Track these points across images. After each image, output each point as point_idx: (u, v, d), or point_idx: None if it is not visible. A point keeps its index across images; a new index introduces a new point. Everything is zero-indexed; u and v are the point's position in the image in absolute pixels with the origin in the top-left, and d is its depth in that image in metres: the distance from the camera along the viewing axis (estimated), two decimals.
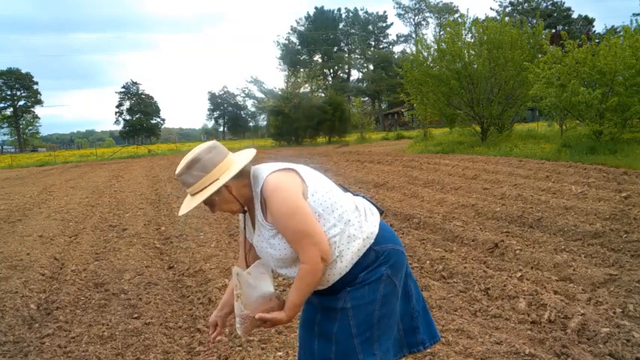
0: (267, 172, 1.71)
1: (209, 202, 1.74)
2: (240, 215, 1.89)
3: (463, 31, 17.31)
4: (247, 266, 1.86)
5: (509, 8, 57.66)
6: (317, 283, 1.70)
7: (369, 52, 69.81)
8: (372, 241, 1.75)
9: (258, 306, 1.66)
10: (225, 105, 77.66)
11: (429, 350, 2.87)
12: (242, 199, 1.75)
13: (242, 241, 1.97)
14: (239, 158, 1.77)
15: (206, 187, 1.69)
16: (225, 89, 76.98)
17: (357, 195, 1.90)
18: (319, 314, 1.80)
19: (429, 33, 72.51)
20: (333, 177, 10.79)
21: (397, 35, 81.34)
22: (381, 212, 1.90)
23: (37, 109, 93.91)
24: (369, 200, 1.91)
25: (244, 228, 1.92)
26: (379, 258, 1.75)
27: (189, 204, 1.74)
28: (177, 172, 1.74)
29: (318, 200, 1.71)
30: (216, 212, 1.81)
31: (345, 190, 1.90)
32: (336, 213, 1.72)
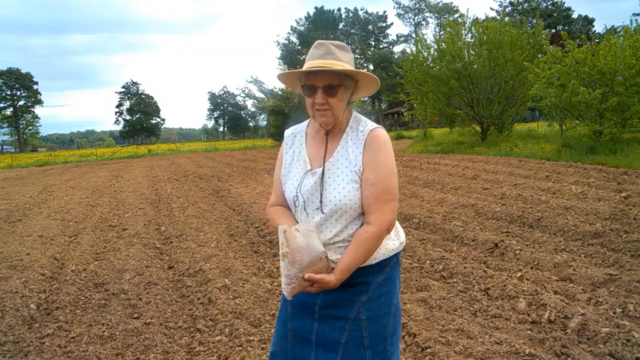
0: (377, 125, 1.69)
1: (336, 87, 1.60)
2: (290, 138, 1.80)
3: (463, 31, 17.33)
4: (282, 205, 1.77)
5: (509, 8, 57.63)
6: (372, 253, 1.60)
7: (369, 52, 69.77)
8: (401, 249, 1.76)
9: (307, 265, 1.52)
10: (225, 105, 77.70)
11: (429, 350, 2.88)
12: (340, 117, 1.67)
13: (278, 176, 1.79)
14: None
15: (356, 70, 1.63)
16: (225, 89, 77.16)
17: None
18: (317, 323, 1.67)
19: (429, 33, 72.66)
20: None
21: (397, 35, 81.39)
22: None
23: (37, 109, 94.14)
24: None
25: (292, 158, 1.76)
26: (397, 267, 1.75)
27: (332, 65, 1.58)
28: (329, 41, 1.65)
29: None
30: (318, 105, 1.62)
31: None
32: None
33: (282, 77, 1.72)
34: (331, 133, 1.70)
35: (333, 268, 1.58)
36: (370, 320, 1.63)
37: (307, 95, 1.64)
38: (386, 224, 1.58)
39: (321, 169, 1.65)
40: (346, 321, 1.63)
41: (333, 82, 1.59)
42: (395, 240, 1.72)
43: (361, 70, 1.64)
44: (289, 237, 1.53)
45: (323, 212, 1.61)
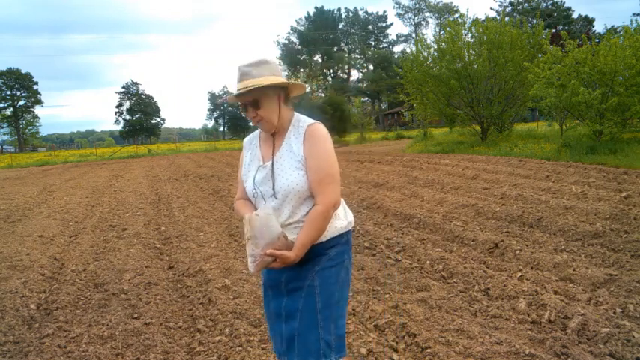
0: (315, 120, 1.95)
1: (257, 100, 1.85)
2: (247, 144, 2.09)
3: (463, 31, 17.31)
4: (244, 199, 2.06)
5: (509, 8, 57.64)
6: (323, 229, 1.85)
7: (369, 52, 69.80)
8: (351, 228, 2.03)
9: (267, 244, 1.79)
10: (226, 105, 77.66)
11: (429, 350, 2.88)
12: (281, 120, 1.93)
13: (240, 175, 2.10)
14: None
15: (274, 82, 1.83)
16: (225, 89, 77.10)
17: None
18: (285, 299, 1.95)
19: (429, 33, 72.68)
20: None
21: (397, 35, 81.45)
22: None
23: (37, 109, 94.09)
24: None
25: (250, 159, 2.03)
26: (347, 244, 2.01)
27: (243, 86, 1.82)
28: (242, 63, 1.87)
29: None
30: (252, 118, 1.90)
31: None
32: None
33: (225, 102, 1.96)
34: (277, 133, 1.97)
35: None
36: (322, 286, 1.89)
37: (243, 112, 1.94)
38: (331, 203, 1.84)
39: (270, 162, 1.94)
40: (302, 289, 1.90)
41: (254, 98, 1.85)
42: (343, 220, 1.98)
43: (276, 80, 1.84)
44: (252, 222, 1.80)
45: (276, 198, 1.88)
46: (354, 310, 3.55)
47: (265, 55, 1.92)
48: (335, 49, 69.29)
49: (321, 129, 1.91)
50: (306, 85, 2.30)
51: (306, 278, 1.90)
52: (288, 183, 1.85)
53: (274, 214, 1.83)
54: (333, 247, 1.93)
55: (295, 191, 1.85)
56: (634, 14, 54.07)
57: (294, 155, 1.88)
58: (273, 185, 1.89)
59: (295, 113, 1.99)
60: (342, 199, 2.01)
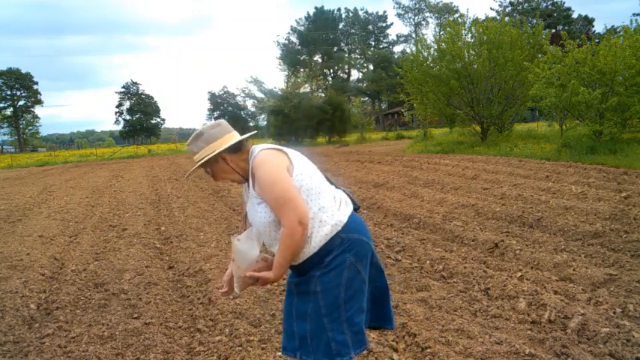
0: (260, 148, 1.98)
1: (209, 170, 2.01)
2: (245, 186, 2.11)
3: (463, 31, 17.30)
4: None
5: (509, 8, 57.59)
6: (297, 247, 1.87)
7: (369, 52, 69.73)
8: (340, 228, 1.94)
9: (247, 267, 1.92)
10: (225, 105, 77.61)
11: (429, 350, 2.88)
12: (241, 171, 2.01)
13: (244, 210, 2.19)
14: (238, 135, 2.03)
15: (205, 157, 1.96)
16: (225, 89, 77.00)
17: (338, 188, 2.11)
18: (295, 298, 2.02)
19: (429, 33, 72.60)
20: (333, 177, 10.79)
21: (397, 35, 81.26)
22: (357, 208, 2.11)
23: (37, 109, 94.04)
24: (348, 195, 2.12)
25: (245, 197, 2.14)
26: (344, 244, 1.94)
27: (191, 168, 2.04)
28: (187, 142, 2.04)
29: (300, 182, 1.90)
30: (219, 180, 2.05)
31: (330, 182, 2.09)
32: (313, 197, 1.92)
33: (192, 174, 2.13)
34: (247, 180, 2.03)
35: None
36: (324, 292, 1.92)
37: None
38: (293, 221, 1.82)
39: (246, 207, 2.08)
40: (309, 294, 1.95)
41: (205, 169, 2.02)
42: (327, 225, 1.93)
43: (208, 157, 1.95)
44: (233, 246, 1.93)
45: (262, 234, 1.97)
46: None
47: (201, 126, 2.02)
48: (335, 49, 69.21)
49: (259, 157, 1.93)
50: (229, 143, 1.90)
51: (310, 284, 1.95)
52: (255, 218, 1.96)
53: (256, 238, 1.94)
54: (330, 253, 1.92)
55: (268, 222, 1.92)
56: (634, 14, 54.05)
57: (253, 195, 1.97)
58: (249, 225, 2.05)
59: (250, 150, 2.01)
60: (336, 197, 2.02)
